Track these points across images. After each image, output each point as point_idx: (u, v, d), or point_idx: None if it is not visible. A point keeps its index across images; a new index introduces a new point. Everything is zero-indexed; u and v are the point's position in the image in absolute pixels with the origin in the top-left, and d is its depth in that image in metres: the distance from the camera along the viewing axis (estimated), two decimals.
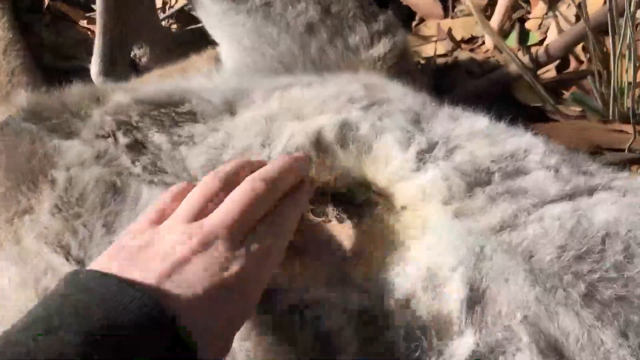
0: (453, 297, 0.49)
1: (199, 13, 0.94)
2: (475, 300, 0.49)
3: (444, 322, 0.49)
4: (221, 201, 0.48)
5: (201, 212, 0.48)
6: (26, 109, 0.72)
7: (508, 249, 0.51)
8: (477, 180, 0.56)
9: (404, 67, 0.88)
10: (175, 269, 0.42)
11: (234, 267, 0.45)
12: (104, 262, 0.44)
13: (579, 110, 1.03)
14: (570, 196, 0.55)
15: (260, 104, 0.67)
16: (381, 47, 0.87)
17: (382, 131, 0.60)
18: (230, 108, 0.68)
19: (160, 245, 0.45)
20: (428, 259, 0.52)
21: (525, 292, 0.48)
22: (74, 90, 0.75)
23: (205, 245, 0.44)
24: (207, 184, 0.50)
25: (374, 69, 0.86)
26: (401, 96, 0.67)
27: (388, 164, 0.58)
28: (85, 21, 1.22)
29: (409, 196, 0.56)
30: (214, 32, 0.93)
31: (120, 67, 1.00)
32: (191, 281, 0.42)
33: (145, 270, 0.42)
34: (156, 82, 0.82)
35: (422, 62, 1.15)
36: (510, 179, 0.57)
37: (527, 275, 0.49)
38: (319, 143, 0.60)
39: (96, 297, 0.38)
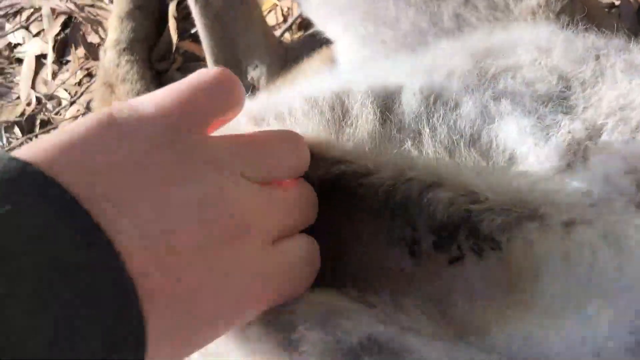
0: None
1: (304, 10, 0.78)
2: None
3: None
4: None
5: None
6: None
7: None
8: None
9: (577, 11, 0.62)
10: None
11: None
12: None
13: None
14: None
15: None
16: None
17: (500, 117, 0.37)
18: None
19: None
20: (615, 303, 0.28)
21: None
22: None
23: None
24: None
25: (534, 21, 0.61)
26: (538, 56, 0.42)
27: (523, 165, 0.36)
28: None
29: (567, 207, 0.33)
30: (326, 28, 0.77)
31: None
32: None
33: None
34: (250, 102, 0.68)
35: (617, 2, 0.85)
36: None
37: None
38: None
39: None
